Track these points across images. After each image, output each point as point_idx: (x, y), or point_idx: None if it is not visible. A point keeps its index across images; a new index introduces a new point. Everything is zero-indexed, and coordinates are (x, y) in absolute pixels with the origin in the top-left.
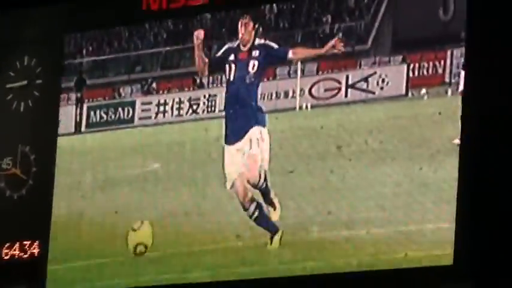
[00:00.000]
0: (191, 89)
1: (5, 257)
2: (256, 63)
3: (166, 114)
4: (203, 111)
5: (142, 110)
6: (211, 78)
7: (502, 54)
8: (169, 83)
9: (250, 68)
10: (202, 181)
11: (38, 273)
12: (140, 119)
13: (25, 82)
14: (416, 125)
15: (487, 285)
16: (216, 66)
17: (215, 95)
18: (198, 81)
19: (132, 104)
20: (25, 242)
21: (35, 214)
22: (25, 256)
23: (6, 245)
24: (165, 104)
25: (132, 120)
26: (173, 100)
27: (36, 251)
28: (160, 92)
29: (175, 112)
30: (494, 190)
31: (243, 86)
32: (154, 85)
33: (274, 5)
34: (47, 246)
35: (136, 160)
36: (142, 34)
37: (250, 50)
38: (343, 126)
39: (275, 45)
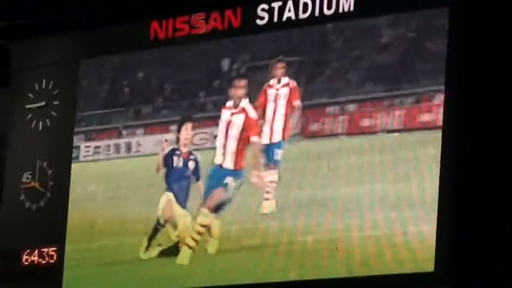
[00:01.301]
0: (116, 138)
1: (26, 263)
2: (194, 164)
3: (100, 155)
4: (124, 151)
5: (85, 151)
6: (129, 130)
7: None
8: (104, 134)
9: (190, 166)
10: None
11: (56, 278)
12: (84, 156)
13: (43, 103)
14: None
15: None
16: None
17: (130, 142)
18: (120, 133)
19: (78, 147)
20: (43, 249)
21: (52, 223)
22: (43, 262)
23: (26, 252)
24: (99, 147)
25: (77, 157)
26: (104, 145)
27: (54, 256)
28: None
29: (106, 152)
30: (475, 197)
31: (182, 178)
32: (94, 135)
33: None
34: (63, 253)
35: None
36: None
37: (189, 152)
38: None
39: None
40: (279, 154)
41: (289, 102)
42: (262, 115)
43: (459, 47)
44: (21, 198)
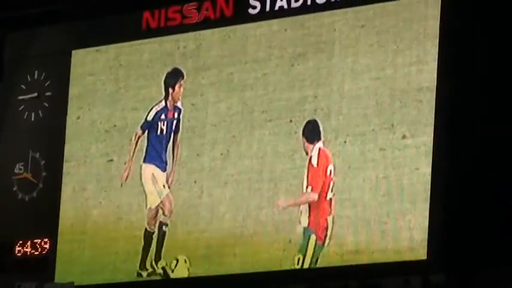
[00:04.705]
0: None
1: (18, 254)
2: None
3: None
4: None
5: None
6: None
7: None
8: None
9: None
10: None
11: (48, 269)
12: None
13: (35, 94)
14: None
15: (459, 277)
16: None
17: None
18: None
19: None
20: (36, 240)
21: (45, 215)
22: (36, 253)
23: (18, 243)
24: None
25: None
26: None
27: (46, 247)
28: None
29: None
30: (467, 186)
31: None
32: None
33: None
34: (55, 244)
35: None
36: None
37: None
38: None
39: None
40: None
41: None
42: None
43: None
44: (14, 189)
